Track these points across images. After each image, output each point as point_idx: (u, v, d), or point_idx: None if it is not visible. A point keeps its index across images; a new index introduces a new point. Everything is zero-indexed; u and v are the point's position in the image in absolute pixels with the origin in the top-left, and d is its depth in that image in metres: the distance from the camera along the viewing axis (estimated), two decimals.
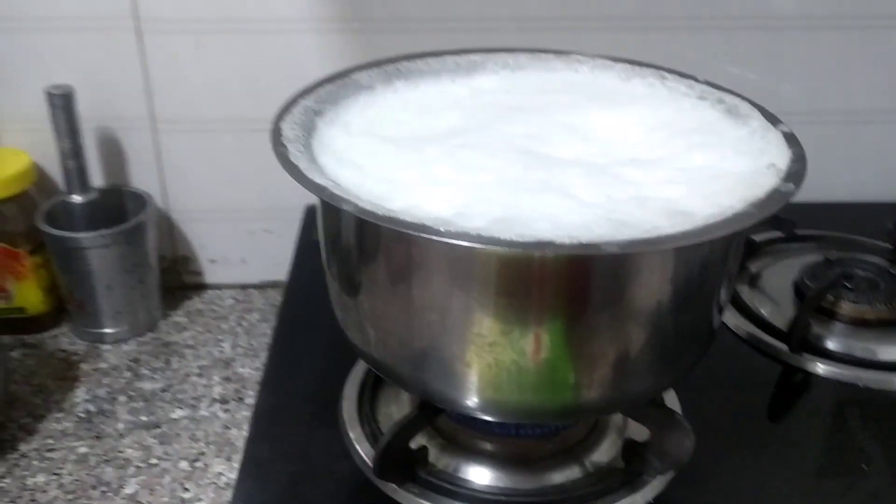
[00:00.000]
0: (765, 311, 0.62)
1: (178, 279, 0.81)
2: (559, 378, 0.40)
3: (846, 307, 0.60)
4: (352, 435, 0.50)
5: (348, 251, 0.42)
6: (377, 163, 0.42)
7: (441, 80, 0.52)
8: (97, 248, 0.68)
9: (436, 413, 0.47)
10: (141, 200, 0.73)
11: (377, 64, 0.51)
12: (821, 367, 0.57)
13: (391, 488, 0.46)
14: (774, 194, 0.38)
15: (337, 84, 0.49)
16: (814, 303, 0.58)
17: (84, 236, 0.68)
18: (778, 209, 0.37)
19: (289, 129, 0.42)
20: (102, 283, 0.70)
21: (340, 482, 0.49)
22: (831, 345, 0.59)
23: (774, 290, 0.65)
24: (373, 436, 0.50)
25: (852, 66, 0.76)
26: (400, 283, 0.39)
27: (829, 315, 0.61)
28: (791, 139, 0.43)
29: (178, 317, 0.77)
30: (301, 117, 0.44)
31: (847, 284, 0.61)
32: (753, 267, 0.68)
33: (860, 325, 0.60)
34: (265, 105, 0.71)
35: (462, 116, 0.47)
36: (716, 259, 0.40)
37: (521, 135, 0.45)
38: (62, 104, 0.67)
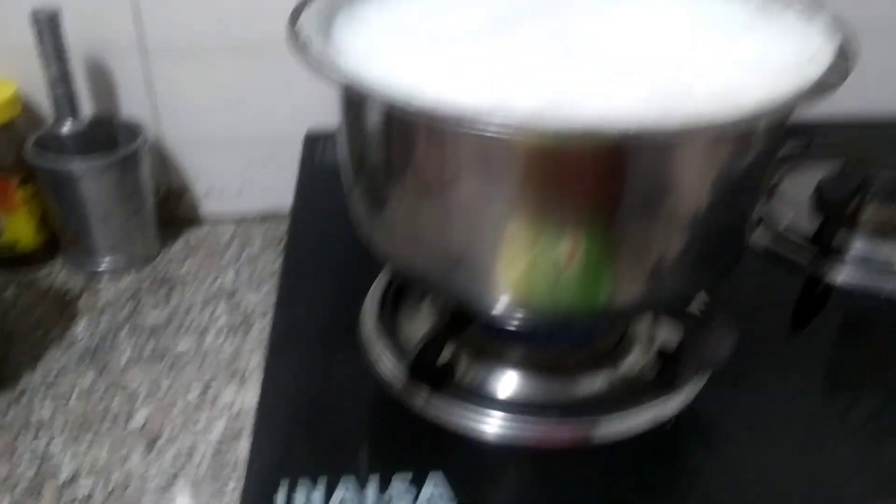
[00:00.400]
0: (784, 222, 0.61)
1: (173, 212, 0.78)
2: (598, 276, 0.39)
3: (870, 213, 0.59)
4: (375, 351, 0.49)
5: (376, 154, 0.40)
6: (403, 59, 0.39)
7: None
8: (89, 178, 0.66)
9: (465, 324, 0.45)
10: (133, 129, 0.70)
11: None
12: (843, 275, 0.56)
13: (418, 403, 0.45)
14: (821, 82, 0.36)
15: None
16: (841, 208, 0.57)
17: (75, 165, 0.65)
18: (827, 96, 0.36)
19: (306, 21, 0.40)
20: (96, 214, 0.68)
21: (364, 400, 0.47)
22: (854, 252, 0.58)
23: (793, 201, 0.64)
24: (397, 351, 0.48)
25: None
26: (434, 181, 0.37)
27: (851, 222, 0.60)
28: (836, 25, 0.41)
29: (177, 250, 0.75)
30: (316, 18, 0.42)
31: (869, 191, 0.60)
32: (773, 179, 0.67)
33: (883, 232, 0.59)
34: (264, 28, 0.69)
35: (485, 14, 0.45)
36: (760, 151, 0.39)
37: (554, 26, 0.42)
38: (48, 27, 0.63)
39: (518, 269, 0.38)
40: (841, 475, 0.43)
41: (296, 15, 0.41)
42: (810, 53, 0.40)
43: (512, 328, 0.47)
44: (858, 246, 0.58)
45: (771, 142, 0.39)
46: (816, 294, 0.56)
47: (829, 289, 0.57)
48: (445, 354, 0.47)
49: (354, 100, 0.39)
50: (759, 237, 0.60)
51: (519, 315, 0.41)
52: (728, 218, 0.40)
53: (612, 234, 0.37)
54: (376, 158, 0.40)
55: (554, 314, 0.41)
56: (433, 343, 0.44)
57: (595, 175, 0.36)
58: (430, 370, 0.45)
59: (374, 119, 0.39)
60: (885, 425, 0.46)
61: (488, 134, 0.33)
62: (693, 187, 0.37)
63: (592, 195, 0.36)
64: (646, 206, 0.37)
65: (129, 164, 0.67)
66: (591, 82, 0.37)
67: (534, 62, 0.39)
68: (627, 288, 0.40)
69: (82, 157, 0.66)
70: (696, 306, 0.50)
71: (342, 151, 0.43)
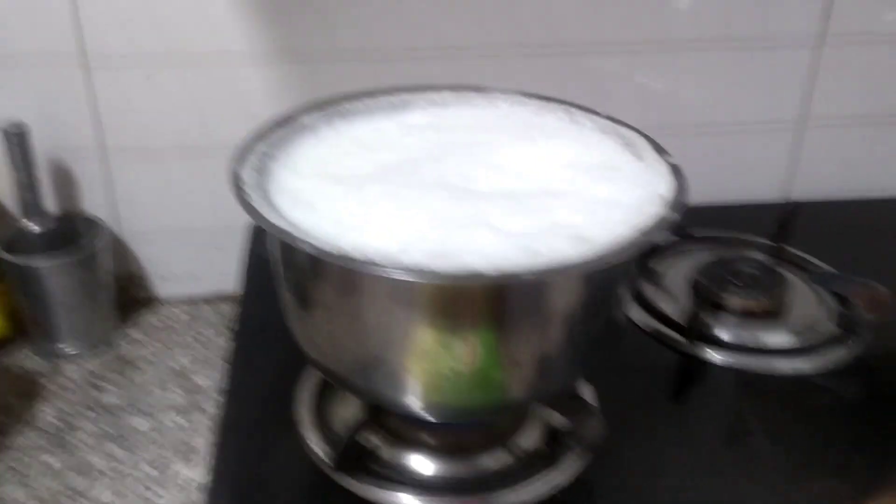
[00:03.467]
0: (666, 307, 0.71)
1: (128, 297, 0.85)
2: (490, 382, 0.48)
3: (735, 301, 0.70)
4: (309, 438, 0.57)
5: (303, 282, 0.48)
6: (326, 203, 0.48)
7: (375, 118, 0.59)
8: (55, 274, 0.73)
9: (385, 414, 0.53)
10: (94, 225, 0.77)
11: (319, 106, 0.57)
12: (715, 356, 0.66)
13: (348, 482, 0.53)
14: (660, 221, 0.46)
15: (285, 128, 0.55)
16: (707, 300, 0.67)
17: (41, 263, 0.72)
18: (662, 234, 0.45)
19: (246, 175, 0.49)
20: (61, 305, 0.75)
21: (301, 480, 0.55)
22: (723, 334, 0.68)
23: (674, 287, 0.74)
24: (328, 437, 0.57)
25: (740, 83, 0.86)
26: (350, 310, 0.46)
27: (719, 307, 0.70)
28: (676, 171, 0.51)
29: (134, 332, 0.82)
30: (255, 162, 0.50)
31: (735, 280, 0.71)
32: (655, 266, 0.77)
33: (747, 316, 0.69)
34: (214, 133, 0.78)
35: (397, 154, 0.54)
36: (614, 278, 0.48)
37: (450, 172, 0.52)
38: (17, 141, 0.71)
39: (424, 378, 0.47)
40: None
41: (238, 162, 0.50)
42: (657, 193, 0.49)
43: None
44: (726, 328, 0.68)
45: (625, 266, 0.49)
46: (691, 372, 0.66)
47: (704, 366, 0.66)
48: (369, 440, 0.55)
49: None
50: (644, 321, 0.70)
51: (426, 413, 0.50)
52: (595, 327, 0.49)
53: (500, 348, 0.46)
54: (303, 288, 0.49)
55: (457, 411, 0.50)
56: (357, 435, 0.52)
57: (481, 305, 0.45)
58: (354, 457, 0.53)
59: (300, 257, 0.47)
60: (747, 485, 0.55)
61: (395, 277, 0.41)
62: (562, 308, 0.46)
63: (480, 319, 0.45)
64: (526, 325, 0.46)
65: (91, 260, 0.75)
66: (477, 226, 0.46)
67: (431, 206, 0.48)
68: (517, 387, 0.49)
69: (48, 254, 0.73)
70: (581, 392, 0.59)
71: (277, 280, 0.52)
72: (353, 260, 0.42)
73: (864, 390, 0.65)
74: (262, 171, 0.50)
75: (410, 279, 0.41)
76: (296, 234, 0.43)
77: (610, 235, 0.45)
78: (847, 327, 0.69)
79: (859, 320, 0.68)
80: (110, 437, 0.69)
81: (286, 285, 0.51)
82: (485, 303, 0.44)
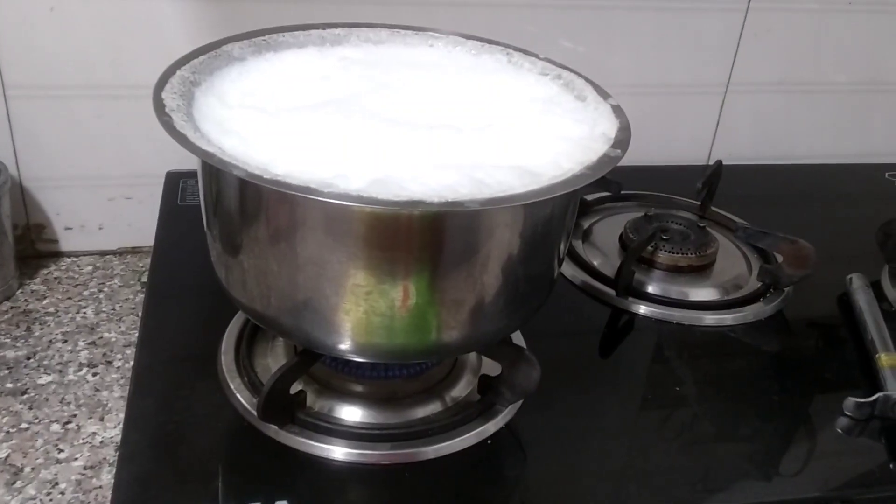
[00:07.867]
0: (595, 262, 0.71)
1: (30, 247, 0.80)
2: (426, 321, 0.46)
3: (663, 256, 0.70)
4: (232, 385, 0.54)
5: (232, 213, 0.45)
6: (257, 132, 0.45)
7: (307, 52, 0.56)
8: None
9: (313, 360, 0.51)
10: None
11: (248, 36, 0.54)
12: (642, 308, 0.66)
13: (273, 430, 0.51)
14: (605, 158, 0.45)
15: (210, 55, 0.51)
16: (636, 253, 0.67)
17: None
18: (608, 171, 0.44)
19: (170, 99, 0.45)
20: None
21: (224, 429, 0.52)
22: (651, 289, 0.68)
23: (603, 243, 0.74)
24: (252, 385, 0.54)
25: (670, 44, 0.86)
26: (284, 242, 0.43)
27: (648, 263, 0.70)
28: (618, 111, 0.50)
29: (36, 285, 0.77)
30: (180, 87, 0.47)
31: (663, 236, 0.71)
32: (585, 223, 0.76)
33: (675, 271, 0.70)
34: (125, 72, 0.73)
35: (329, 89, 0.51)
36: (557, 214, 0.47)
37: (387, 105, 0.49)
38: None
39: (357, 316, 0.44)
40: (644, 477, 0.51)
41: (161, 86, 0.46)
42: (600, 131, 0.49)
43: (355, 364, 0.53)
44: (654, 283, 0.69)
45: (568, 205, 0.48)
46: (620, 324, 0.66)
47: (632, 318, 0.66)
48: (295, 387, 0.52)
49: (213, 169, 0.45)
50: (574, 274, 0.69)
51: (359, 354, 0.48)
52: (534, 269, 0.48)
53: (435, 286, 0.44)
54: (231, 221, 0.46)
55: (389, 353, 0.48)
56: (283, 380, 0.49)
57: (421, 235, 0.42)
58: (280, 405, 0.50)
59: (230, 187, 0.44)
60: (670, 433, 0.55)
61: (333, 203, 0.39)
62: (503, 245, 0.45)
63: (419, 251, 0.43)
64: (462, 262, 0.44)
65: None
66: (418, 155, 0.44)
67: (369, 136, 0.45)
68: (451, 330, 0.47)
69: None
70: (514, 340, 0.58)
71: (205, 217, 0.48)
72: (287, 184, 0.39)
73: (781, 343, 0.66)
74: (187, 98, 0.47)
75: (350, 205, 0.39)
76: (227, 158, 0.40)
77: (556, 170, 0.44)
78: (769, 283, 0.70)
79: (781, 276, 0.69)
80: (12, 392, 0.65)
81: (213, 222, 0.48)
82: (426, 235, 0.42)
